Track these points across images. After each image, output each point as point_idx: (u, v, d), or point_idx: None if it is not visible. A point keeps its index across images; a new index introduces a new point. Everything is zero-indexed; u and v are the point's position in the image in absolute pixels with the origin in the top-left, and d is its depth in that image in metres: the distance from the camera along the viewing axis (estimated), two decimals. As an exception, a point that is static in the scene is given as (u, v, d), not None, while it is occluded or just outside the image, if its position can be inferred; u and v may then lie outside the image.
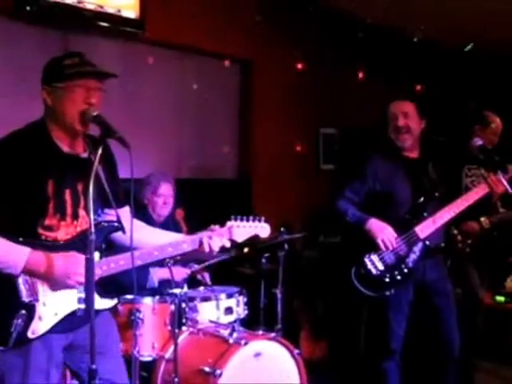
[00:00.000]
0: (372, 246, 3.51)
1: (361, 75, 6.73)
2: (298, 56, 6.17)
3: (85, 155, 2.45)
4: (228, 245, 2.68)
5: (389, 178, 3.60)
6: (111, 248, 2.62)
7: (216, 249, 2.62)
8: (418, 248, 3.54)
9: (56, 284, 2.33)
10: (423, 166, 3.64)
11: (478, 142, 3.32)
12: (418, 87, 6.74)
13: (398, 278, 3.53)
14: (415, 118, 3.58)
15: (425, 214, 3.52)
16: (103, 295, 2.46)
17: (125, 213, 2.55)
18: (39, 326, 2.32)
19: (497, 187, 3.43)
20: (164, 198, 4.07)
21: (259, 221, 2.80)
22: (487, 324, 4.75)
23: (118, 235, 2.57)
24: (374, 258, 3.53)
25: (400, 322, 3.65)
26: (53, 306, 2.35)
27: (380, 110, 6.70)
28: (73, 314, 2.40)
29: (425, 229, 3.51)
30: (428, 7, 5.67)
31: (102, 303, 2.47)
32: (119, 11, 4.67)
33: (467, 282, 4.41)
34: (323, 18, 6.18)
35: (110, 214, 2.56)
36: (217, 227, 2.68)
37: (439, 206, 3.54)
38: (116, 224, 2.49)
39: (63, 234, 2.40)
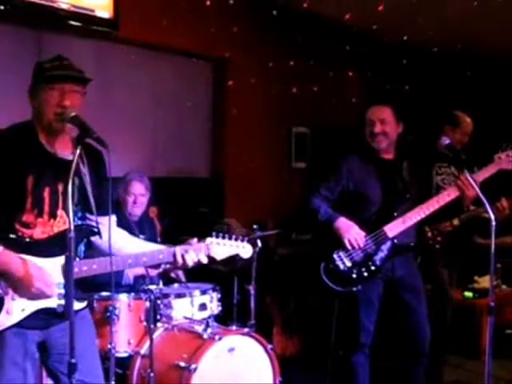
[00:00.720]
0: (341, 244, 3.60)
1: (332, 75, 6.81)
2: (271, 56, 6.24)
3: (69, 156, 2.47)
4: (205, 261, 2.64)
5: (363, 178, 3.69)
6: (91, 251, 2.63)
7: (190, 263, 2.60)
8: (386, 247, 3.63)
9: (21, 289, 2.35)
10: (397, 167, 3.73)
11: (446, 141, 3.38)
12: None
13: (365, 274, 3.62)
14: (392, 123, 3.66)
15: (395, 214, 3.61)
16: (76, 298, 2.41)
17: (109, 220, 2.55)
18: (5, 319, 2.35)
19: (467, 190, 3.48)
20: (134, 196, 4.05)
21: (242, 240, 2.77)
22: (455, 319, 4.85)
23: (97, 241, 2.60)
24: (343, 254, 3.62)
25: (369, 316, 3.73)
26: (21, 302, 2.38)
27: (353, 110, 6.87)
28: (45, 310, 2.43)
29: (394, 228, 3.60)
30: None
31: (76, 305, 2.47)
32: (93, 11, 4.68)
33: (437, 279, 4.50)
34: (295, 18, 6.24)
35: (91, 220, 2.57)
36: (195, 241, 2.65)
37: (411, 206, 3.62)
38: (93, 228, 2.52)
39: (39, 232, 2.43)
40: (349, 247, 3.59)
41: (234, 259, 2.83)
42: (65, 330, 2.30)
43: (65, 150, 2.50)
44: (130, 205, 4.05)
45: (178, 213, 5.18)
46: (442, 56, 7.05)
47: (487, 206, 3.05)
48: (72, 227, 2.13)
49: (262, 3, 6.00)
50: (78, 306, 2.52)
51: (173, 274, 4.23)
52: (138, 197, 4.07)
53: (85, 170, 2.49)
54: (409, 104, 3.91)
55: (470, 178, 3.24)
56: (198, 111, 6.05)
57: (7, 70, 4.39)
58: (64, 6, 4.51)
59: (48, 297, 2.39)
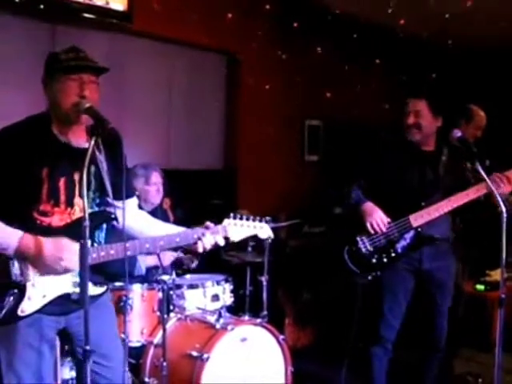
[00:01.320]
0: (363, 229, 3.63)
1: (346, 67, 6.81)
2: (285, 49, 6.25)
3: (84, 145, 2.49)
4: (222, 243, 2.65)
5: (395, 166, 3.67)
6: (113, 234, 2.66)
7: (208, 246, 2.62)
8: (409, 235, 3.61)
9: (44, 267, 2.40)
10: (433, 160, 3.70)
11: (458, 133, 3.38)
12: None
13: (385, 260, 3.62)
14: (428, 116, 3.62)
15: (422, 204, 3.59)
16: (92, 282, 2.51)
17: (130, 204, 2.61)
18: (28, 306, 2.40)
19: (499, 186, 3.45)
20: (156, 186, 4.15)
21: (259, 221, 2.78)
22: (467, 312, 4.86)
23: (118, 226, 2.63)
24: (366, 238, 3.64)
25: (393, 311, 3.72)
26: (41, 288, 2.43)
27: (366, 103, 6.85)
28: (63, 297, 2.48)
29: (419, 218, 3.57)
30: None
31: (94, 290, 2.55)
32: (107, 3, 4.70)
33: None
34: (309, 11, 6.24)
35: (114, 206, 2.58)
36: (211, 224, 2.67)
37: (440, 198, 3.59)
38: (110, 214, 2.55)
39: (57, 220, 2.48)
40: (370, 230, 3.59)
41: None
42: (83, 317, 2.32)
43: (80, 138, 2.53)
44: (152, 195, 4.13)
45: (191, 204, 5.21)
46: (456, 49, 7.03)
47: (498, 198, 3.05)
48: (86, 216, 2.16)
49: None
50: (95, 291, 2.58)
51: (187, 265, 4.25)
52: (159, 185, 4.18)
53: (101, 157, 2.52)
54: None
55: (480, 170, 3.22)
56: (212, 104, 6.06)
57: (21, 62, 4.43)
58: (78, -1, 4.53)
59: (70, 271, 2.42)
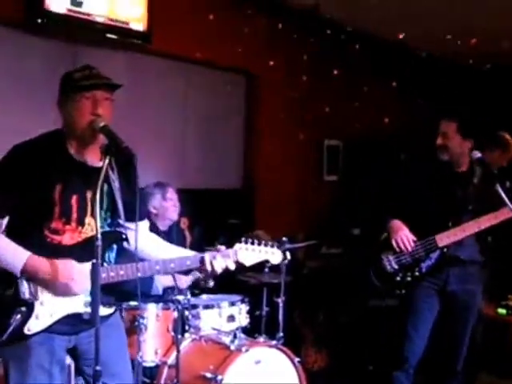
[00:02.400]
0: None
1: (365, 88, 6.79)
2: (304, 69, 6.25)
3: (98, 164, 2.50)
4: (233, 267, 2.64)
5: (424, 186, 3.66)
6: (123, 255, 2.66)
7: (219, 270, 2.60)
8: (434, 255, 3.60)
9: (53, 289, 2.40)
10: (464, 180, 3.66)
11: (477, 154, 3.36)
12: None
13: (408, 279, 3.61)
14: (456, 138, 3.60)
15: (449, 224, 3.57)
16: (101, 303, 2.44)
17: (141, 227, 2.59)
18: (35, 325, 2.39)
19: None
20: (173, 201, 4.19)
21: (271, 246, 2.76)
22: (488, 336, 4.77)
23: (129, 247, 2.63)
24: (391, 256, 3.65)
25: (419, 331, 3.67)
26: (49, 307, 2.42)
27: (385, 123, 6.83)
28: (74, 317, 2.47)
29: (445, 238, 3.56)
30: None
31: (103, 310, 2.51)
32: (127, 24, 4.76)
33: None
34: (329, 31, 6.25)
35: (123, 226, 2.58)
36: (223, 248, 2.66)
37: (468, 219, 3.58)
38: (121, 234, 2.55)
39: (68, 238, 2.47)
40: (396, 248, 3.60)
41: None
42: (93, 336, 2.30)
43: (94, 157, 2.53)
44: (170, 211, 4.18)
45: (209, 224, 5.20)
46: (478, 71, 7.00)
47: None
48: (99, 235, 2.15)
49: (293, 16, 6.01)
50: (105, 311, 2.55)
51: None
52: (175, 201, 4.22)
53: (114, 177, 2.52)
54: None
55: (500, 191, 3.18)
56: (230, 123, 6.08)
57: (43, 83, 4.47)
58: (100, 20, 4.58)
59: (77, 294, 2.42)
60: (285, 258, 3.97)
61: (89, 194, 2.49)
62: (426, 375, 3.92)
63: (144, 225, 2.76)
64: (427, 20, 5.70)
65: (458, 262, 3.63)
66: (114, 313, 2.66)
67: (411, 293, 3.64)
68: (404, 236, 3.59)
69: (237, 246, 2.69)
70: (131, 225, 2.52)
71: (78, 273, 2.38)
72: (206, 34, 5.38)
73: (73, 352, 2.62)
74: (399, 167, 3.95)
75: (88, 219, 2.51)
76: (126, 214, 2.53)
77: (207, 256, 2.61)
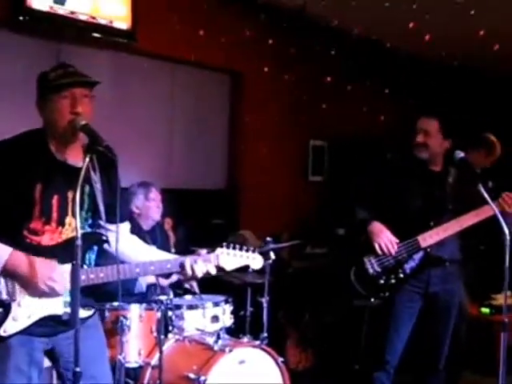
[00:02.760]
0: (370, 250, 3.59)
1: (349, 87, 6.80)
2: (288, 68, 6.25)
3: (79, 164, 2.46)
4: (214, 272, 2.62)
5: (403, 186, 3.64)
6: (104, 257, 2.63)
7: (199, 274, 2.58)
8: (417, 256, 3.57)
9: (33, 288, 2.37)
10: (441, 180, 3.67)
11: (460, 154, 3.36)
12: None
13: (393, 281, 3.57)
14: (436, 136, 3.59)
15: (431, 224, 3.56)
16: (81, 305, 2.39)
17: (122, 228, 2.58)
18: (11, 326, 2.36)
19: (509, 207, 3.44)
20: (156, 201, 4.19)
21: (252, 251, 2.75)
22: (472, 335, 4.78)
23: (109, 249, 2.62)
24: (373, 259, 3.59)
25: (400, 334, 3.66)
26: (27, 309, 2.39)
27: (370, 123, 6.84)
28: (52, 318, 2.44)
29: (428, 238, 3.54)
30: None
31: (81, 313, 2.45)
32: (111, 22, 4.73)
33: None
34: (312, 30, 6.25)
35: (104, 227, 2.56)
36: (204, 252, 2.64)
37: (449, 218, 3.57)
38: (102, 236, 2.53)
39: (48, 239, 2.44)
40: (379, 252, 3.54)
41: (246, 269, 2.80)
42: (72, 338, 2.28)
43: (76, 157, 2.50)
44: (152, 210, 4.17)
45: (193, 224, 5.19)
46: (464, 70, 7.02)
47: (501, 220, 3.01)
48: (79, 235, 2.13)
49: (279, 16, 6.01)
50: (83, 314, 2.52)
51: (187, 285, 4.23)
52: (158, 201, 4.21)
53: (96, 178, 2.50)
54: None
55: (483, 191, 3.17)
56: (214, 123, 6.07)
57: (26, 81, 4.42)
58: (83, 18, 4.56)
59: (58, 294, 2.39)
60: (269, 258, 3.99)
61: (70, 194, 2.46)
62: (408, 374, 3.92)
63: (125, 227, 2.73)
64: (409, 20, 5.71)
65: (441, 262, 3.63)
66: (92, 315, 2.63)
67: (393, 297, 3.60)
68: (387, 239, 3.54)
69: (218, 250, 2.67)
70: (112, 226, 2.51)
71: (58, 273, 2.35)
72: (191, 33, 5.36)
73: (51, 354, 2.58)
74: (387, 166, 3.90)
75: (68, 219, 2.47)
76: (107, 215, 2.51)
77: (188, 260, 2.58)
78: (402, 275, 3.58)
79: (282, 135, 6.34)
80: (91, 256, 2.55)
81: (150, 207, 4.17)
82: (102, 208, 2.50)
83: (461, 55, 6.60)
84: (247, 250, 2.73)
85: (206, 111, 5.92)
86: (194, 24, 5.40)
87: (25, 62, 4.49)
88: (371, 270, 3.58)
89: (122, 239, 2.49)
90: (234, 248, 2.69)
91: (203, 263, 2.60)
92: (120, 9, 4.79)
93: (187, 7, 5.38)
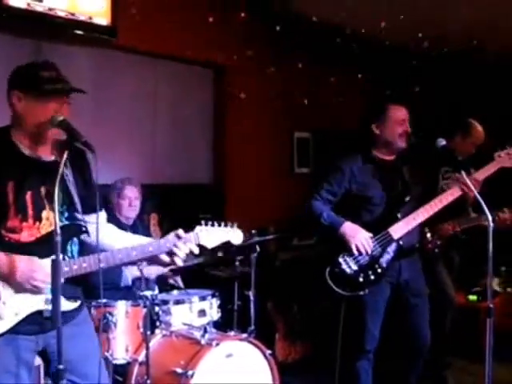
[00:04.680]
0: (345, 247, 3.56)
1: (333, 79, 6.79)
2: (272, 61, 6.23)
3: (50, 159, 2.48)
4: (196, 250, 2.61)
5: (365, 179, 3.66)
6: (85, 250, 2.62)
7: (182, 254, 2.57)
8: (391, 248, 3.59)
9: (16, 285, 2.36)
10: (398, 169, 3.72)
11: (441, 142, 3.36)
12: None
13: (372, 277, 3.57)
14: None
15: (398, 216, 3.58)
16: (65, 297, 2.45)
17: (98, 218, 2.55)
18: None
19: (470, 190, 3.44)
20: (129, 200, 4.14)
21: (231, 226, 2.75)
22: (460, 322, 4.81)
23: (87, 239, 2.61)
24: (348, 258, 3.56)
25: (376, 323, 3.70)
26: (13, 306, 2.37)
27: (355, 114, 6.82)
28: (38, 315, 2.42)
29: (398, 229, 3.56)
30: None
31: (67, 305, 2.48)
32: (90, 18, 4.68)
33: (437, 282, 4.47)
34: (294, 22, 6.23)
35: (80, 219, 2.56)
36: (182, 232, 2.62)
37: (414, 207, 3.60)
38: (81, 226, 2.51)
39: (27, 235, 2.42)
40: (356, 253, 3.52)
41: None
42: (64, 335, 2.25)
43: (46, 152, 2.49)
44: (125, 208, 4.14)
45: (179, 219, 5.15)
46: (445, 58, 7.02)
47: (484, 206, 3.02)
48: (58, 230, 2.11)
49: (260, 8, 5.99)
50: (70, 306, 2.52)
51: (171, 280, 4.23)
52: (133, 200, 4.16)
53: (67, 171, 2.49)
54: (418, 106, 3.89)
55: (466, 178, 3.20)
56: (199, 117, 6.04)
57: (5, 78, 4.39)
58: (61, 14, 4.50)
59: (41, 292, 2.38)
60: (254, 250, 4.00)
61: (43, 190, 2.46)
62: (389, 362, 3.94)
63: (101, 216, 2.70)
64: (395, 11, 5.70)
65: (412, 251, 3.67)
66: (80, 308, 2.61)
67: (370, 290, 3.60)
68: (363, 238, 3.52)
69: (197, 228, 2.65)
70: (88, 217, 2.52)
71: (40, 271, 2.34)
72: (172, 27, 5.32)
73: (44, 355, 2.56)
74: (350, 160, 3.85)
75: (45, 214, 2.46)
76: (82, 207, 2.51)
77: (171, 237, 2.58)
78: (380, 270, 3.59)
79: (266, 128, 6.32)
80: (73, 248, 2.55)
81: (122, 205, 4.14)
82: (77, 200, 2.50)
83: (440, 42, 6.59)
84: (226, 225, 2.73)
85: (190, 105, 5.89)
86: (175, 18, 5.36)
87: (4, 59, 4.45)
88: (348, 270, 3.56)
89: (100, 229, 2.46)
90: (212, 225, 2.68)
91: (185, 245, 2.58)
92: (99, 4, 4.73)
93: (168, 1, 5.34)
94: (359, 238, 3.52)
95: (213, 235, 2.68)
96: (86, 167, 2.53)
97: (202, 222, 2.66)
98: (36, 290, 2.37)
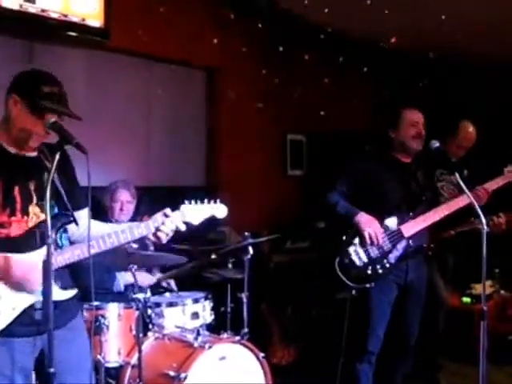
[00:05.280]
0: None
1: (327, 81, 6.79)
2: (265, 63, 6.23)
3: (33, 154, 2.53)
4: (183, 228, 2.67)
5: (380, 178, 3.73)
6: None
7: (169, 232, 2.63)
8: (401, 246, 3.66)
9: (10, 284, 2.38)
10: (413, 171, 3.80)
11: (435, 144, 3.38)
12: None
13: (380, 271, 3.64)
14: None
15: (410, 215, 3.65)
16: (59, 287, 2.48)
17: (84, 214, 2.59)
18: None
19: (482, 199, 3.59)
20: (121, 203, 4.12)
21: (214, 202, 2.81)
22: (454, 324, 4.82)
23: (76, 236, 2.64)
24: (359, 249, 3.64)
25: (381, 322, 3.73)
26: (10, 301, 2.38)
27: (349, 116, 6.84)
28: (34, 311, 2.42)
29: (410, 228, 3.64)
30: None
31: (61, 294, 2.50)
32: (83, 20, 4.67)
33: (429, 283, 4.46)
34: (290, 25, 6.23)
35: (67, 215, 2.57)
36: (168, 210, 2.69)
37: (426, 208, 3.67)
38: (69, 216, 2.52)
39: (16, 229, 2.44)
40: (368, 241, 3.60)
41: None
42: (59, 338, 2.28)
43: (28, 148, 2.52)
44: (116, 212, 4.11)
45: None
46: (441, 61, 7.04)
47: (479, 211, 3.03)
48: (49, 232, 2.11)
49: (253, 10, 5.98)
50: (63, 295, 2.52)
51: (164, 283, 4.20)
52: (125, 204, 4.14)
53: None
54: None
55: (459, 179, 3.20)
56: (192, 119, 6.03)
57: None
58: (54, 15, 4.49)
59: (35, 287, 2.38)
60: (247, 252, 3.98)
61: (31, 185, 2.49)
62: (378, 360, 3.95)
63: (85, 213, 2.68)
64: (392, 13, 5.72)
65: (419, 252, 3.72)
66: (73, 298, 2.61)
67: (375, 287, 3.65)
68: (376, 228, 3.60)
69: (182, 206, 2.72)
70: (76, 213, 2.54)
71: (32, 269, 2.34)
72: (166, 30, 5.32)
73: (42, 358, 2.52)
74: (365, 159, 3.95)
75: (32, 208, 2.49)
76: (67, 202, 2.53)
77: (159, 216, 2.63)
78: (388, 265, 3.64)
79: (259, 130, 6.31)
80: (64, 242, 2.58)
81: (114, 208, 4.12)
82: (63, 193, 2.52)
83: (435, 46, 6.61)
84: (209, 202, 2.79)
85: (184, 108, 5.88)
86: (169, 20, 5.35)
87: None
88: (358, 261, 3.63)
89: (85, 222, 2.49)
90: (196, 203, 2.75)
91: (171, 223, 2.64)
92: (92, 6, 4.71)
93: (162, 3, 5.33)
94: (373, 227, 3.60)
95: (198, 211, 2.74)
96: (68, 164, 2.59)
97: (186, 201, 2.73)
98: (28, 289, 2.38)
